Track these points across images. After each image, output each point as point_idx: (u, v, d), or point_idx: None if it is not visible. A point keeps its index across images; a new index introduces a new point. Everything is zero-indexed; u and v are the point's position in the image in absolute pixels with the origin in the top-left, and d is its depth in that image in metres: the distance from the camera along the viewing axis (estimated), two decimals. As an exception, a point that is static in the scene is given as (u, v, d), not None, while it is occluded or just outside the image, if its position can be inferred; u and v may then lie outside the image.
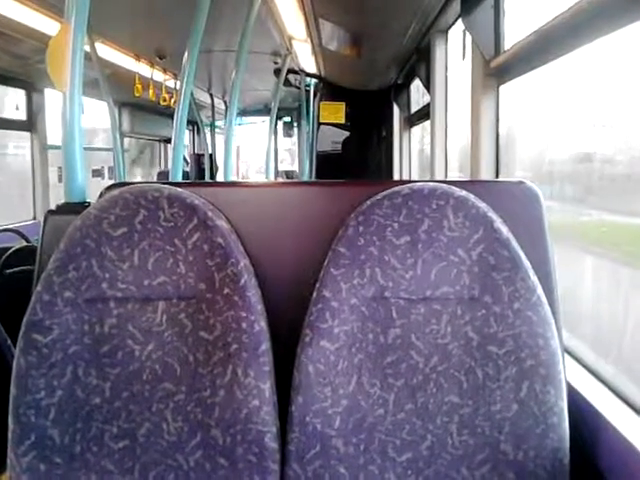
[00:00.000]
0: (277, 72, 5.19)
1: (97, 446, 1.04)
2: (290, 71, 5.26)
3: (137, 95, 4.74)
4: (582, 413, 1.09)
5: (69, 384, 1.04)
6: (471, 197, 1.06)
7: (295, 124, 8.84)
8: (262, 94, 6.95)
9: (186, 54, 2.58)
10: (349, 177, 5.04)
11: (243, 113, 8.62)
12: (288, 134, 9.15)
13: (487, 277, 1.04)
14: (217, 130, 8.64)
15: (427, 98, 3.28)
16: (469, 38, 2.18)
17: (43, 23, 3.17)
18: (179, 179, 2.87)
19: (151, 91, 5.02)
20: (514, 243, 1.04)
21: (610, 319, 1.48)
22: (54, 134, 4.44)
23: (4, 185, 5.13)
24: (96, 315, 1.05)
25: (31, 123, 4.26)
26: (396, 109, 4.87)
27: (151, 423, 1.05)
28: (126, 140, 6.75)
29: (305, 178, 5.87)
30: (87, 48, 3.52)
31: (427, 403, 1.04)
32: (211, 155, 7.68)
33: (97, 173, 6.25)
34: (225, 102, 7.81)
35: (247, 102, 7.84)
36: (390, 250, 1.06)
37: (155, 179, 7.67)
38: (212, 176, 7.37)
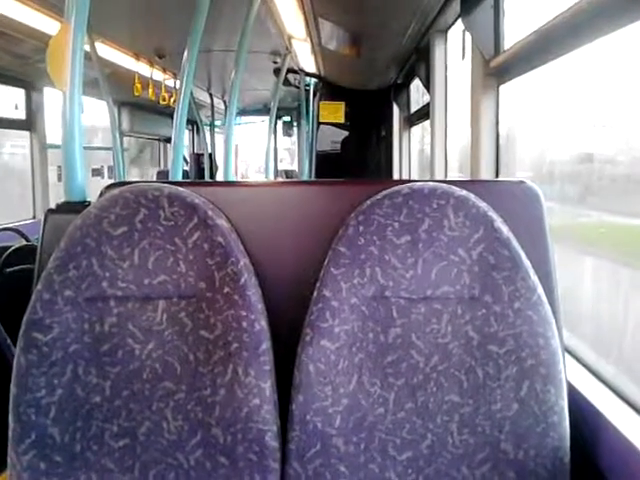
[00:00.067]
0: (277, 72, 5.19)
1: (97, 445, 1.04)
2: (290, 71, 5.27)
3: (137, 94, 4.75)
4: (582, 412, 1.09)
5: (69, 383, 1.04)
6: (471, 197, 1.06)
7: (295, 124, 8.85)
8: (262, 94, 6.95)
9: (186, 53, 2.58)
10: (349, 177, 5.03)
11: (243, 113, 8.63)
12: (288, 134, 9.15)
13: (487, 276, 1.04)
14: (216, 130, 8.64)
15: (427, 98, 3.28)
16: (469, 38, 2.18)
17: (43, 23, 3.18)
18: (179, 178, 2.87)
19: (151, 90, 5.02)
20: (514, 243, 1.04)
21: (609, 319, 1.48)
22: (53, 133, 4.45)
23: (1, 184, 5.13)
24: (96, 314, 1.05)
25: (30, 122, 4.26)
26: (396, 109, 4.87)
27: (151, 422, 1.05)
28: (125, 139, 6.75)
29: (305, 177, 5.88)
30: (87, 48, 3.52)
31: (427, 402, 1.04)
32: (211, 155, 7.69)
33: (97, 172, 6.25)
34: (225, 102, 7.82)
35: (247, 102, 7.84)
36: (390, 249, 1.06)
37: (152, 179, 7.67)
38: (212, 175, 7.37)
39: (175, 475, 1.04)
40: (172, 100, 5.27)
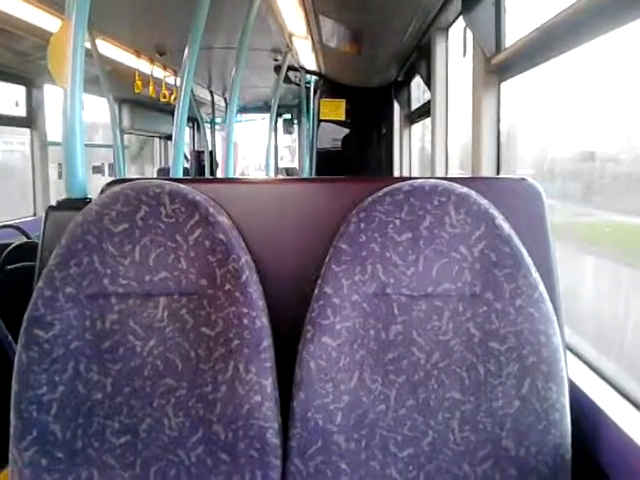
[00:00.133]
0: (277, 69, 5.19)
1: (98, 441, 1.04)
2: (290, 68, 5.26)
3: (137, 92, 4.74)
4: (584, 409, 1.09)
5: (71, 380, 1.04)
6: (473, 194, 1.06)
7: (295, 121, 8.84)
8: (262, 91, 6.94)
9: (186, 51, 2.58)
10: (349, 174, 5.04)
11: (243, 110, 8.63)
12: (288, 131, 9.15)
13: (489, 274, 1.04)
14: (216, 127, 8.64)
15: (427, 95, 3.28)
16: (470, 35, 2.18)
17: (44, 20, 3.17)
18: (180, 176, 2.87)
19: (151, 88, 5.01)
20: (516, 240, 1.04)
21: (611, 317, 1.48)
22: (52, 131, 4.45)
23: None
24: (97, 311, 1.05)
25: (31, 119, 4.26)
26: (396, 106, 4.87)
27: (152, 419, 1.05)
28: (125, 137, 6.75)
29: (305, 175, 5.87)
30: (88, 45, 3.51)
31: (428, 399, 1.04)
32: (211, 152, 7.68)
33: (97, 170, 6.25)
34: (225, 99, 7.81)
35: (247, 99, 7.84)
36: (392, 247, 1.06)
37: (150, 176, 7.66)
38: (212, 173, 7.37)
39: (176, 472, 1.04)
40: (173, 97, 5.27)
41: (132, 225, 1.06)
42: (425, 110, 3.42)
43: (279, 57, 4.97)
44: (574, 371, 1.20)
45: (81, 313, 1.05)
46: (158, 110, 6.85)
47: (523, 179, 1.18)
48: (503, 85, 1.96)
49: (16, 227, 2.87)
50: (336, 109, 5.25)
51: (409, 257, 1.06)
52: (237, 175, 9.64)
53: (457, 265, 1.05)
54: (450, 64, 2.90)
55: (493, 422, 1.03)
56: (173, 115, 2.70)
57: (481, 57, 1.99)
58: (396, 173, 4.94)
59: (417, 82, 4.07)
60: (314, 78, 5.80)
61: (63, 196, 1.49)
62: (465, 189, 1.07)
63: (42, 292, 1.03)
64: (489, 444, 1.03)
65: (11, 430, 1.03)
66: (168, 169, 3.54)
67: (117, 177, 4.15)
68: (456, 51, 2.66)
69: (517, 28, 1.80)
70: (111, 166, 6.27)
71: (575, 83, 1.64)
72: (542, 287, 1.04)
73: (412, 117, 4.32)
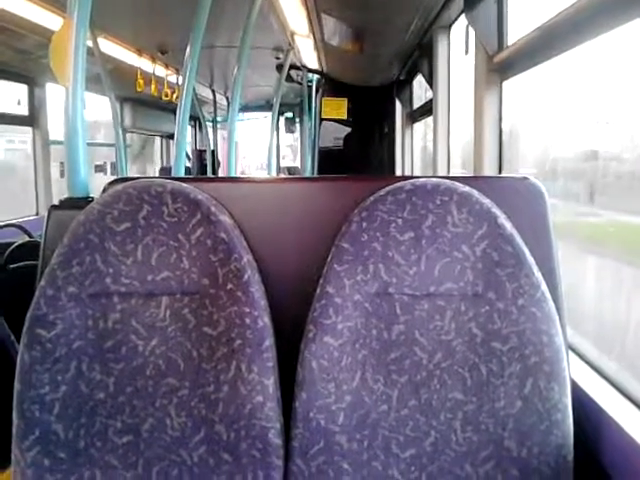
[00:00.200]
0: (279, 68, 5.19)
1: (101, 441, 1.04)
2: (292, 67, 5.26)
3: (139, 90, 4.74)
4: (586, 410, 1.09)
5: (73, 379, 1.04)
6: (475, 193, 1.06)
7: (297, 120, 8.84)
8: (264, 90, 6.94)
9: (188, 49, 2.58)
10: (351, 173, 5.03)
11: (245, 109, 8.62)
12: (290, 130, 9.15)
13: (491, 273, 1.04)
14: (218, 126, 8.64)
15: (429, 94, 3.27)
16: (472, 33, 2.17)
17: (46, 18, 3.17)
18: (182, 175, 2.87)
19: (153, 86, 5.02)
20: (518, 239, 1.04)
21: (614, 317, 1.48)
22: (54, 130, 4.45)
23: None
24: (100, 310, 1.05)
25: (33, 118, 4.26)
26: (398, 105, 4.86)
27: (155, 418, 1.05)
28: (127, 136, 6.75)
29: (307, 174, 5.87)
30: (89, 43, 3.52)
31: (431, 399, 1.04)
32: (213, 151, 7.68)
33: (99, 169, 6.26)
34: (227, 98, 7.80)
35: (249, 98, 7.83)
36: (394, 246, 1.06)
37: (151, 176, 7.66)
38: (214, 172, 7.37)
39: (178, 472, 1.04)
40: (174, 96, 5.28)
41: (134, 224, 1.06)
42: (427, 109, 3.42)
43: (281, 56, 4.97)
44: (576, 371, 1.20)
45: (83, 312, 1.05)
46: (160, 109, 6.85)
47: (525, 178, 1.17)
48: (505, 84, 1.95)
49: (18, 226, 2.87)
50: (338, 108, 5.25)
51: (411, 256, 1.06)
52: (237, 175, 9.63)
53: (459, 264, 1.05)
54: (452, 62, 2.90)
55: (495, 422, 1.02)
56: (175, 114, 2.70)
57: (483, 55, 1.98)
58: (398, 172, 4.94)
59: (419, 81, 4.06)
60: (316, 77, 5.80)
61: (64, 195, 1.49)
62: (467, 188, 1.06)
63: (44, 291, 1.04)
64: (491, 444, 1.03)
65: (13, 430, 1.03)
66: (170, 168, 3.54)
67: (119, 176, 4.15)
68: (458, 49, 2.65)
69: (519, 26, 1.80)
70: (113, 165, 6.27)
71: (577, 82, 1.64)
72: (544, 286, 1.03)
73: (414, 116, 4.31)
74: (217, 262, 1.06)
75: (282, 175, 8.36)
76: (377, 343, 1.05)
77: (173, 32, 3.91)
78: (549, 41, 1.48)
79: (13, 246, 2.44)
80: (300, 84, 5.82)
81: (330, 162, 5.35)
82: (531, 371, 1.02)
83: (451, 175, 2.67)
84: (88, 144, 1.56)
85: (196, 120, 8.36)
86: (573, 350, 1.31)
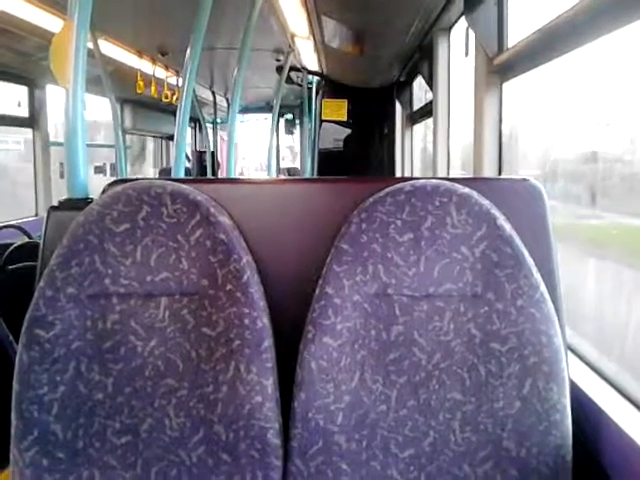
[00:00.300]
0: (279, 69, 5.20)
1: (100, 441, 1.04)
2: (292, 68, 5.27)
3: (139, 92, 4.75)
4: (585, 410, 1.09)
5: (72, 380, 1.04)
6: (474, 194, 1.06)
7: (297, 121, 8.85)
8: (264, 91, 6.95)
9: (188, 51, 2.58)
10: (351, 174, 5.04)
11: (245, 110, 8.63)
12: (290, 131, 9.16)
13: (490, 274, 1.04)
14: (218, 127, 8.64)
15: (429, 96, 3.27)
16: (472, 35, 2.17)
17: (46, 20, 3.18)
18: (181, 176, 2.87)
19: (153, 88, 5.02)
20: (517, 240, 1.04)
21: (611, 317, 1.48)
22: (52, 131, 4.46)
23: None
24: (99, 311, 1.06)
25: (33, 120, 4.26)
26: (398, 107, 4.87)
27: (153, 419, 1.05)
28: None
29: (307, 175, 5.87)
30: (90, 45, 3.52)
31: (430, 400, 1.04)
32: (213, 152, 7.69)
33: (99, 170, 6.26)
34: (227, 99, 7.81)
35: (249, 99, 7.84)
36: (393, 247, 1.06)
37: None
38: (214, 173, 7.37)
39: (177, 472, 1.04)
40: (175, 98, 5.28)
41: (134, 225, 1.06)
42: (427, 110, 3.42)
43: (281, 57, 4.98)
44: (575, 371, 1.20)
45: (82, 313, 1.05)
46: (160, 110, 6.86)
47: (525, 179, 1.17)
48: (505, 85, 1.95)
49: (18, 227, 2.87)
50: (338, 109, 5.25)
51: (410, 257, 1.06)
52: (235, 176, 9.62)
53: (458, 265, 1.05)
54: (452, 64, 2.90)
55: (494, 423, 1.02)
56: (175, 115, 2.70)
57: (483, 57, 1.98)
58: (398, 173, 4.94)
59: (419, 82, 4.06)
60: (316, 78, 5.80)
61: (62, 196, 1.49)
62: (467, 189, 1.07)
63: (43, 292, 1.04)
64: (490, 445, 1.03)
65: (12, 430, 1.03)
66: (170, 169, 3.55)
67: (119, 177, 4.15)
68: (458, 51, 2.66)
69: (520, 28, 1.80)
70: (113, 166, 6.28)
71: (576, 83, 1.64)
72: (543, 287, 1.03)
73: (414, 117, 4.32)
74: (216, 263, 1.06)
75: (282, 176, 8.36)
76: (376, 344, 1.06)
77: (173, 34, 3.91)
78: (549, 43, 1.49)
79: (12, 247, 2.44)
80: (300, 86, 5.82)
81: (330, 163, 5.35)
82: (530, 371, 1.02)
83: (451, 176, 2.67)
84: (88, 145, 1.56)
85: (196, 122, 8.37)
86: (572, 351, 1.31)
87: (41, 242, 1.28)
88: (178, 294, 1.07)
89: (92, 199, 1.42)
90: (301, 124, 8.15)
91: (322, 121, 5.32)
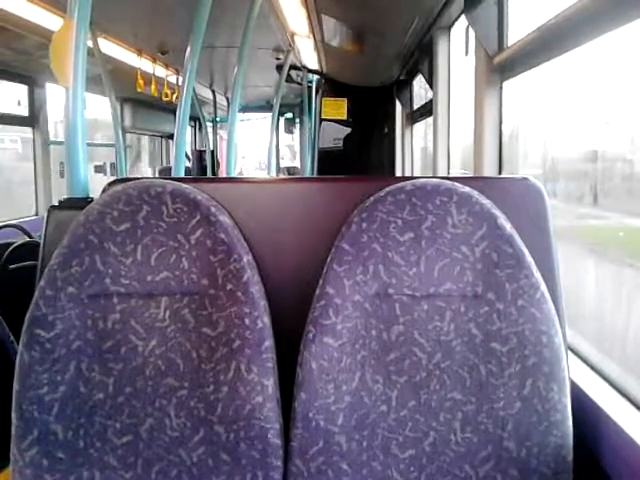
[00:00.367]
0: (279, 68, 5.20)
1: (100, 441, 1.04)
2: (292, 67, 5.26)
3: (139, 91, 4.74)
4: (585, 410, 1.09)
5: (72, 379, 1.04)
6: (475, 193, 1.06)
7: (297, 120, 8.84)
8: (264, 90, 6.95)
9: (188, 50, 2.58)
10: (351, 174, 5.04)
11: (245, 109, 8.62)
12: (290, 130, 9.15)
13: (490, 274, 1.04)
14: (217, 126, 8.64)
15: (430, 94, 3.27)
16: (472, 34, 2.17)
17: (46, 18, 3.17)
18: (181, 175, 2.87)
19: (153, 87, 5.01)
20: (518, 239, 1.04)
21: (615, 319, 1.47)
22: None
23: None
24: (99, 310, 1.05)
25: (33, 118, 4.26)
26: (398, 105, 4.86)
27: (154, 419, 1.05)
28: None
29: (307, 174, 5.87)
30: (90, 43, 3.51)
31: (430, 400, 1.04)
32: (213, 151, 7.68)
33: (99, 169, 6.25)
34: (227, 98, 7.81)
35: (249, 98, 7.84)
36: (393, 247, 1.06)
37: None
38: (214, 172, 7.37)
39: (177, 472, 1.04)
40: (174, 96, 5.28)
41: (134, 224, 1.06)
42: (427, 109, 3.41)
43: (281, 56, 4.97)
44: (576, 372, 1.20)
45: (83, 313, 1.05)
46: (160, 109, 6.85)
47: (525, 179, 1.17)
48: (506, 84, 1.95)
49: (18, 226, 2.87)
50: (338, 108, 5.25)
51: (411, 257, 1.06)
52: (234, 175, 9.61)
53: (459, 265, 1.05)
54: (452, 63, 2.90)
55: (494, 423, 1.02)
56: (175, 114, 2.70)
57: (483, 56, 1.98)
58: (398, 173, 4.94)
59: (419, 81, 4.06)
60: (316, 77, 5.80)
61: (62, 195, 1.49)
62: (467, 189, 1.06)
63: (44, 291, 1.03)
64: (490, 445, 1.03)
65: (12, 430, 1.03)
66: (170, 168, 3.55)
67: (119, 177, 4.15)
68: (458, 50, 2.65)
69: (520, 26, 1.80)
70: (113, 165, 6.27)
71: (575, 82, 1.64)
72: (544, 287, 1.03)
73: (414, 116, 4.31)
74: (217, 262, 1.06)
75: (282, 175, 8.36)
76: (377, 344, 1.05)
77: (173, 32, 3.91)
78: (549, 42, 1.48)
79: (13, 246, 2.44)
80: (300, 84, 5.82)
81: (330, 163, 5.35)
82: (530, 372, 1.02)
83: (451, 176, 2.67)
84: (88, 144, 1.56)
85: (196, 120, 8.36)
86: (572, 351, 1.31)
87: (41, 241, 1.28)
88: (178, 294, 1.07)
89: (92, 198, 1.42)
90: (301, 123, 8.15)
91: (322, 120, 5.32)
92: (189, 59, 2.59)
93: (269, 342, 1.04)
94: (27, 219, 3.97)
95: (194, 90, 4.23)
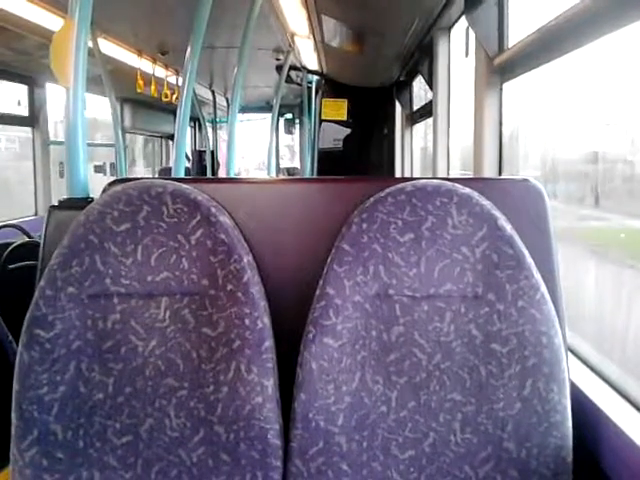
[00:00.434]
0: (279, 69, 5.20)
1: (100, 441, 1.04)
2: (292, 68, 5.26)
3: (139, 91, 4.74)
4: (585, 411, 1.09)
5: (72, 380, 1.04)
6: (475, 194, 1.06)
7: (297, 121, 8.84)
8: (264, 91, 6.95)
9: (188, 50, 2.58)
10: (351, 174, 5.03)
11: (245, 110, 8.62)
12: (289, 131, 9.14)
13: (491, 275, 1.04)
14: (217, 126, 8.63)
15: (429, 95, 3.27)
16: (472, 35, 2.17)
17: (46, 19, 3.17)
18: (181, 175, 2.87)
19: (153, 87, 5.01)
20: (518, 241, 1.04)
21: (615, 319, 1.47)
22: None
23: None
24: (99, 311, 1.05)
25: (33, 118, 4.26)
26: (398, 106, 4.86)
27: (154, 419, 1.05)
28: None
29: (307, 175, 5.87)
30: (90, 44, 3.51)
31: (430, 401, 1.04)
32: (213, 152, 7.68)
33: (99, 169, 6.25)
34: (227, 99, 7.81)
35: (249, 99, 7.83)
36: (394, 247, 1.06)
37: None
38: (214, 173, 7.37)
39: (177, 472, 1.04)
40: (174, 97, 5.28)
41: (134, 225, 1.06)
42: (427, 110, 3.42)
43: (281, 57, 4.97)
44: (576, 373, 1.20)
45: (83, 313, 1.05)
46: (160, 110, 6.85)
47: (525, 180, 1.17)
48: (506, 85, 1.95)
49: (17, 226, 2.87)
50: (338, 109, 5.25)
51: (411, 258, 1.06)
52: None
53: (459, 266, 1.05)
54: (452, 64, 2.90)
55: (494, 424, 1.02)
56: (175, 115, 2.70)
57: (483, 57, 1.98)
58: (397, 173, 4.94)
59: (419, 82, 4.06)
60: (316, 78, 5.79)
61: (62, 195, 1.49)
62: (467, 190, 1.06)
63: (44, 292, 1.03)
64: (490, 446, 1.02)
65: (12, 430, 1.03)
66: (170, 169, 3.55)
67: (119, 177, 4.15)
68: (458, 51, 2.65)
69: (520, 28, 1.80)
70: (112, 165, 6.27)
71: (575, 83, 1.64)
72: (544, 288, 1.03)
73: (414, 117, 4.31)
74: (217, 263, 1.06)
75: (282, 176, 8.36)
76: (377, 344, 1.05)
77: (173, 33, 3.91)
78: (550, 43, 1.48)
79: (12, 246, 2.44)
80: (300, 85, 5.82)
81: (330, 163, 5.35)
82: (530, 372, 1.02)
83: (451, 177, 2.67)
84: (88, 144, 1.56)
85: (196, 121, 8.36)
86: (572, 352, 1.31)
87: (41, 241, 1.28)
88: (179, 294, 1.07)
89: (92, 198, 1.42)
90: (301, 123, 8.14)
91: (322, 121, 5.32)
92: (189, 59, 2.59)
93: (269, 342, 1.04)
94: (27, 219, 3.97)
95: (194, 91, 4.23)
